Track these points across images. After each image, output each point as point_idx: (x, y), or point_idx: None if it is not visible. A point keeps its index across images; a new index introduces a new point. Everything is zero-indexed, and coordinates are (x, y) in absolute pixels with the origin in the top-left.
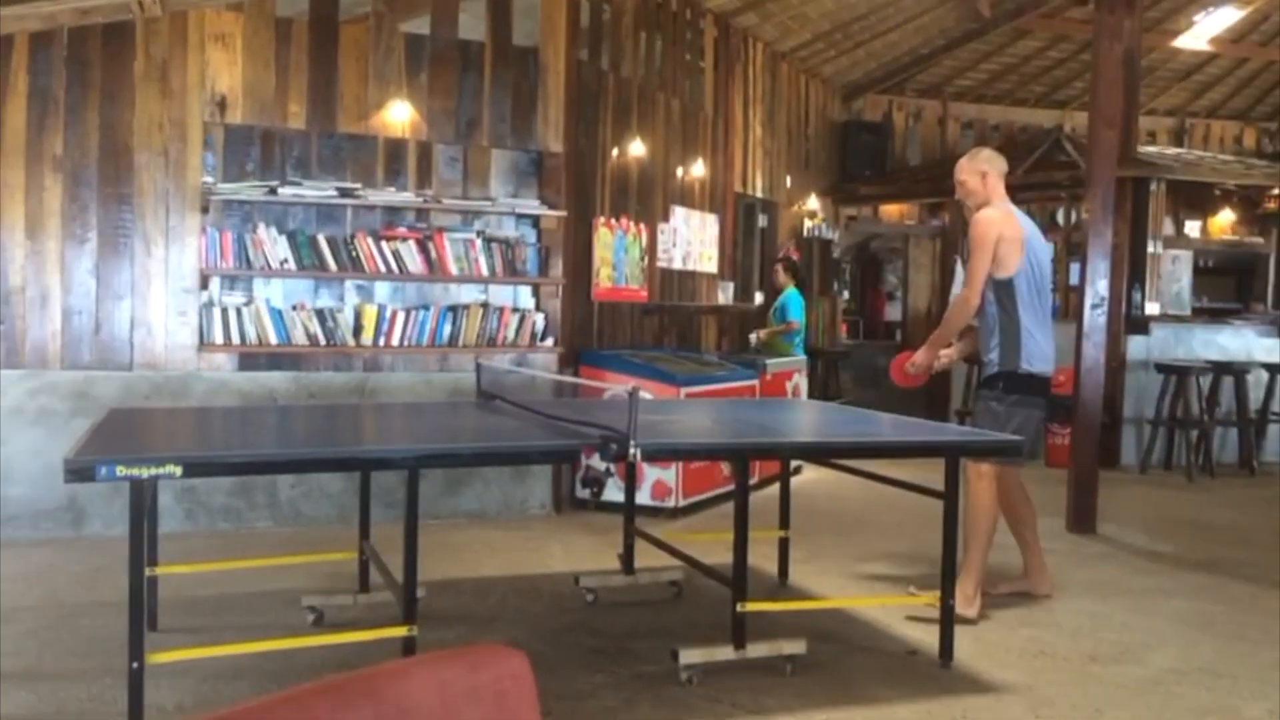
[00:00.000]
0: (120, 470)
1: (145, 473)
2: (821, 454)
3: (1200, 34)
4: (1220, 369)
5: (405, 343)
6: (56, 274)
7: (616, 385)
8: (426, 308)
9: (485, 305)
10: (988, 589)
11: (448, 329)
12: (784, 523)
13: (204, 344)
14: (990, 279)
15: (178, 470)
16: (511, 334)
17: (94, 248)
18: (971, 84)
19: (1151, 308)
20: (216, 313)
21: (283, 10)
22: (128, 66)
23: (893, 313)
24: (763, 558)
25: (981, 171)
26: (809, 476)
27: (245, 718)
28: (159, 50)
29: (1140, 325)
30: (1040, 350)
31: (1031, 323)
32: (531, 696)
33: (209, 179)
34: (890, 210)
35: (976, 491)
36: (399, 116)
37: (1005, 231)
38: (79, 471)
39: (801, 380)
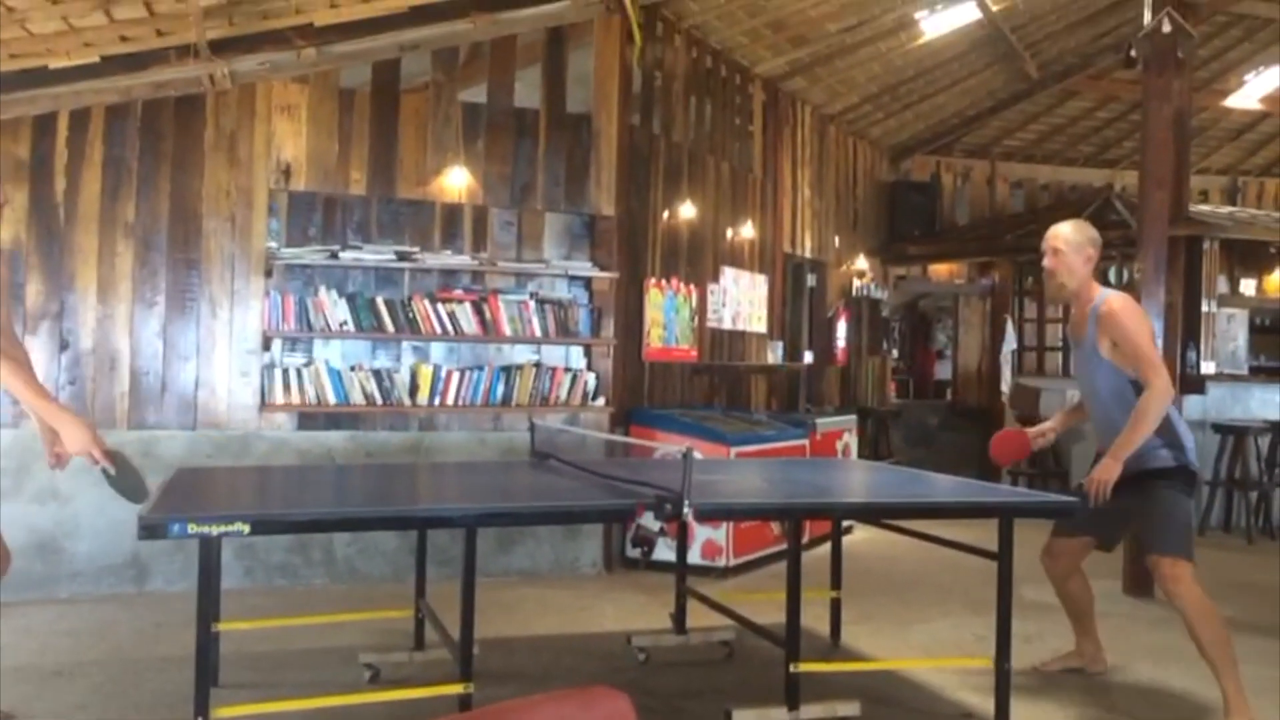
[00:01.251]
0: (191, 528)
1: (214, 530)
2: (873, 514)
3: (1250, 94)
4: (1279, 429)
5: (460, 402)
6: (126, 336)
7: (668, 445)
8: (481, 368)
9: (538, 365)
10: (1040, 666)
11: (501, 389)
12: (835, 583)
13: (265, 404)
14: (1122, 374)
15: (246, 528)
16: (564, 394)
17: (162, 310)
18: (1020, 144)
19: (1207, 367)
20: (278, 373)
21: (346, 81)
22: (198, 137)
23: (943, 371)
24: (814, 618)
25: (1089, 254)
26: (860, 536)
27: None
28: (228, 121)
29: (1196, 385)
30: (1190, 442)
31: (1176, 417)
32: None
33: (273, 244)
34: (939, 269)
35: (1178, 596)
36: (456, 182)
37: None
38: (152, 529)
39: (852, 440)
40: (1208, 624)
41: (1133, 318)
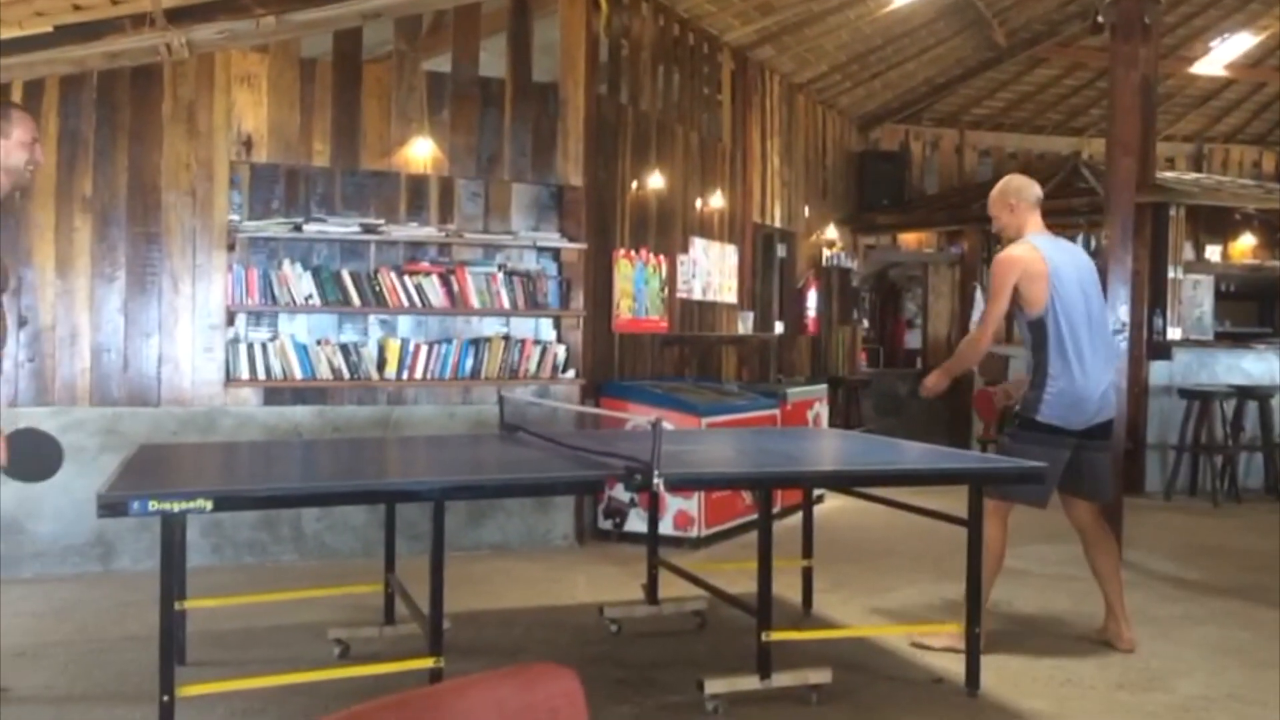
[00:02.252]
0: (153, 505)
1: (176, 507)
2: (844, 482)
3: (1216, 60)
4: (1244, 394)
5: (428, 376)
6: (86, 312)
7: (639, 416)
8: (449, 341)
9: (507, 338)
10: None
11: (470, 362)
12: (807, 552)
13: (230, 380)
14: (1024, 318)
15: (208, 504)
16: (533, 366)
17: (122, 286)
18: (988, 112)
19: (1174, 333)
20: (242, 349)
21: (307, 51)
22: (155, 108)
23: (912, 340)
24: (786, 587)
25: (1009, 204)
26: (832, 505)
27: None
28: (186, 92)
29: (1163, 350)
30: (1065, 398)
31: (1060, 367)
32: (582, 713)
33: (235, 217)
34: (909, 238)
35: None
36: (421, 153)
37: (1025, 269)
38: (112, 506)
39: (822, 409)
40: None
41: (998, 269)
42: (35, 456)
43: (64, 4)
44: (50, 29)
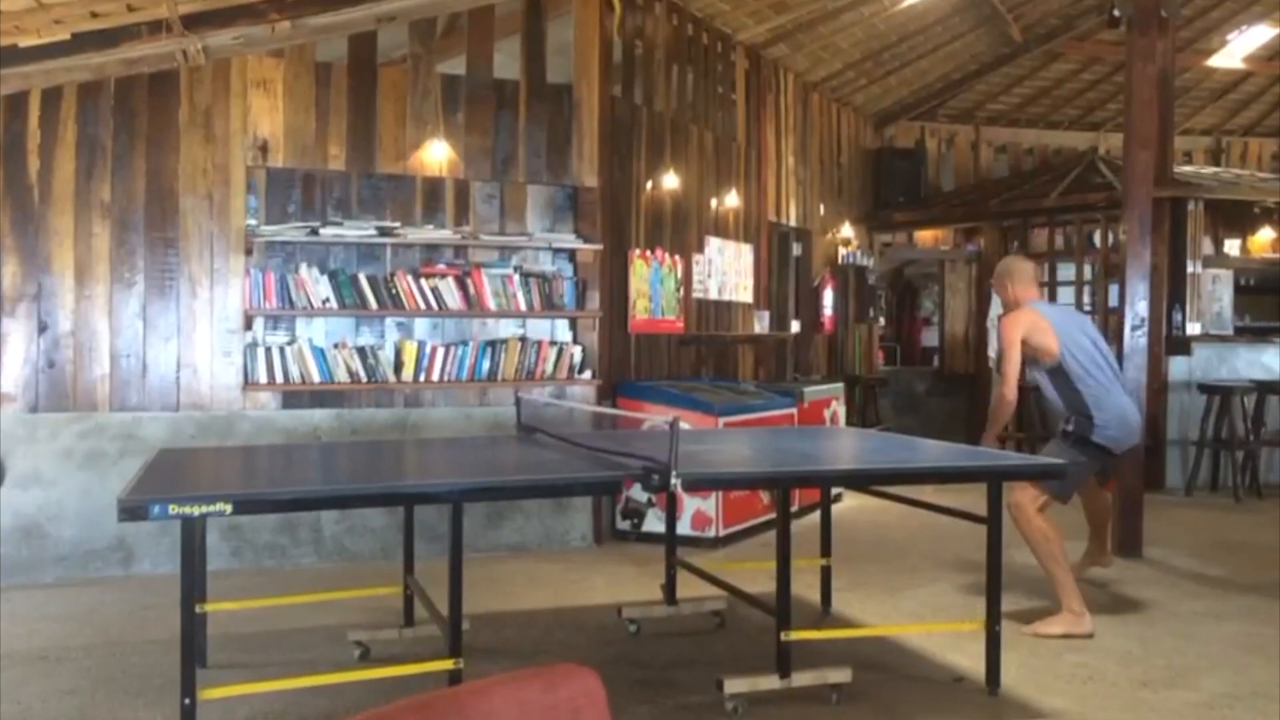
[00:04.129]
0: (172, 509)
1: (196, 511)
2: (861, 481)
3: (1234, 53)
4: (1265, 388)
5: (445, 378)
6: (105, 318)
7: (656, 416)
8: (465, 343)
9: (523, 339)
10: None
11: (487, 364)
12: (825, 550)
13: (248, 383)
14: (1042, 370)
15: (228, 508)
16: (550, 367)
17: (141, 291)
18: (1004, 108)
19: (1193, 328)
20: (260, 352)
21: (322, 55)
22: (173, 114)
23: (930, 338)
24: (805, 586)
25: (1006, 284)
26: (850, 504)
27: None
28: (203, 98)
29: (1182, 346)
30: (1117, 423)
31: (1099, 396)
32: (604, 713)
33: (252, 221)
34: (925, 236)
35: (1017, 522)
36: (436, 155)
37: (1030, 325)
38: (132, 511)
39: (839, 408)
40: (1040, 542)
41: (1006, 332)
42: None
43: (82, 12)
44: (68, 36)
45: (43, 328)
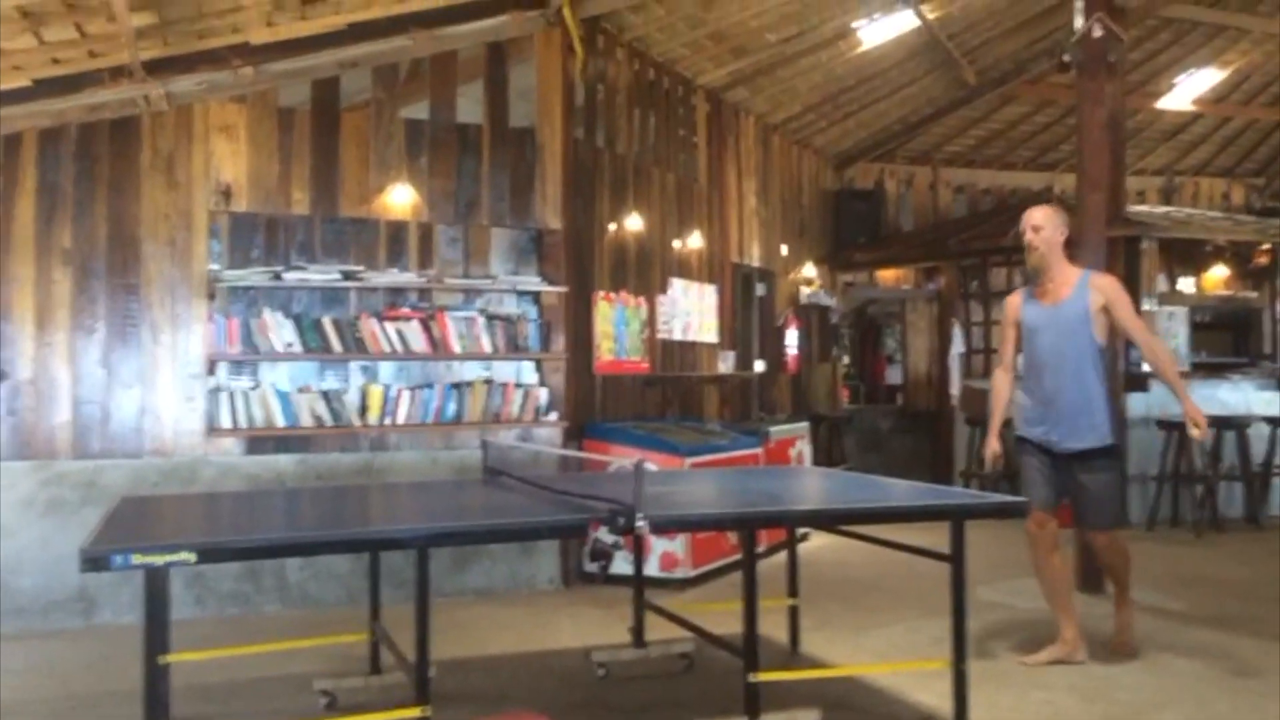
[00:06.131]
0: (135, 558)
1: (160, 560)
2: (827, 521)
3: (1183, 95)
4: (1222, 424)
5: (411, 421)
6: (65, 365)
7: (621, 458)
8: (431, 386)
9: (489, 382)
10: (1024, 658)
11: (452, 406)
12: (793, 590)
13: (212, 429)
14: (1096, 340)
15: (191, 557)
16: (516, 410)
17: (102, 338)
18: (961, 149)
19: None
20: (224, 397)
21: (285, 100)
22: (134, 160)
23: (893, 376)
24: (773, 626)
25: (1063, 230)
26: (816, 543)
27: None
28: (165, 143)
29: (1139, 382)
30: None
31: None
32: None
33: (215, 266)
34: (886, 275)
35: (1108, 551)
36: (400, 199)
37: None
38: (95, 561)
39: (805, 447)
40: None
41: (1117, 288)
42: None
43: (42, 58)
44: (29, 83)
45: (2, 376)
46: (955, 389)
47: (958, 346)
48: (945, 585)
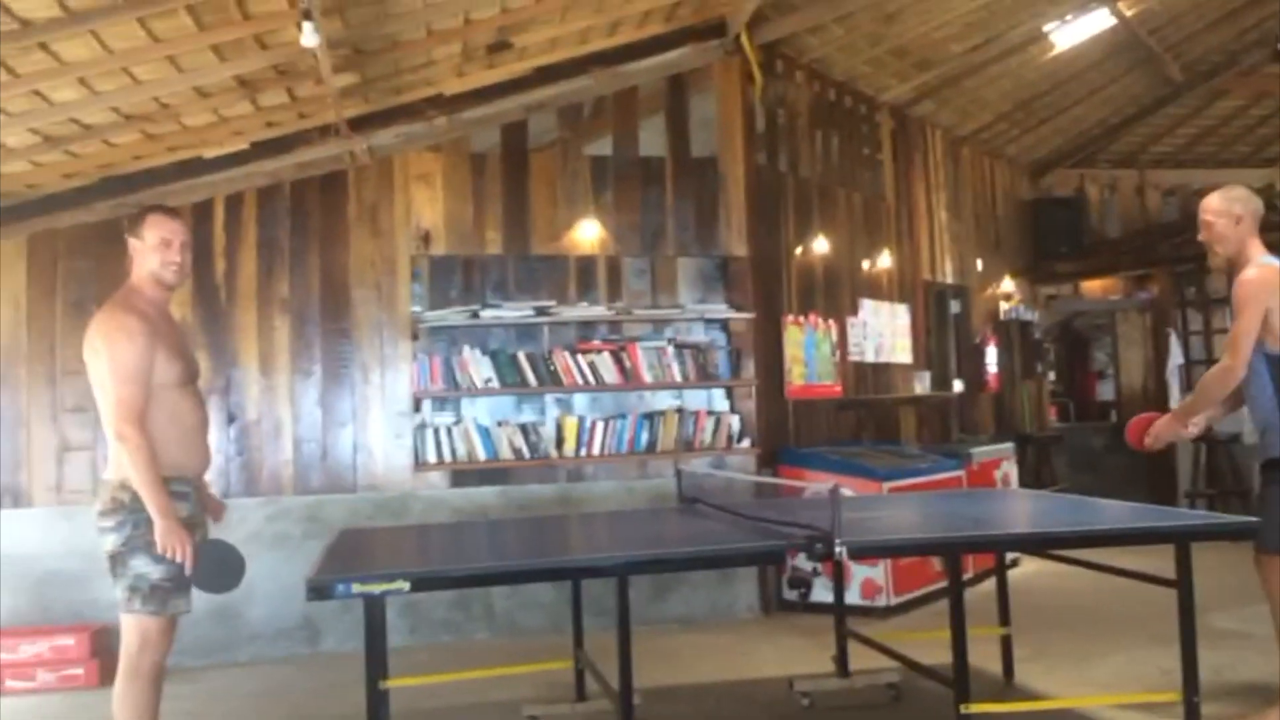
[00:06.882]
0: (356, 588)
1: (377, 589)
2: (1038, 545)
3: None
4: None
5: (605, 452)
6: (287, 405)
7: (817, 484)
8: (624, 416)
9: (680, 410)
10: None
11: (646, 436)
12: (1004, 619)
13: (419, 464)
14: (1261, 351)
15: (406, 585)
16: (708, 437)
17: (319, 379)
18: (1170, 149)
19: None
20: (429, 433)
21: (477, 146)
22: (342, 211)
23: (1105, 392)
24: (984, 657)
25: (1236, 214)
26: (1028, 569)
27: None
28: (369, 194)
29: None
30: None
31: None
32: None
33: (417, 308)
34: (1092, 286)
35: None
36: (588, 234)
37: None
38: (319, 590)
39: (1011, 468)
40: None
41: (1249, 288)
42: (219, 569)
43: (258, 122)
44: (247, 146)
45: (231, 418)
46: (1175, 403)
47: (1176, 358)
48: (1172, 612)
